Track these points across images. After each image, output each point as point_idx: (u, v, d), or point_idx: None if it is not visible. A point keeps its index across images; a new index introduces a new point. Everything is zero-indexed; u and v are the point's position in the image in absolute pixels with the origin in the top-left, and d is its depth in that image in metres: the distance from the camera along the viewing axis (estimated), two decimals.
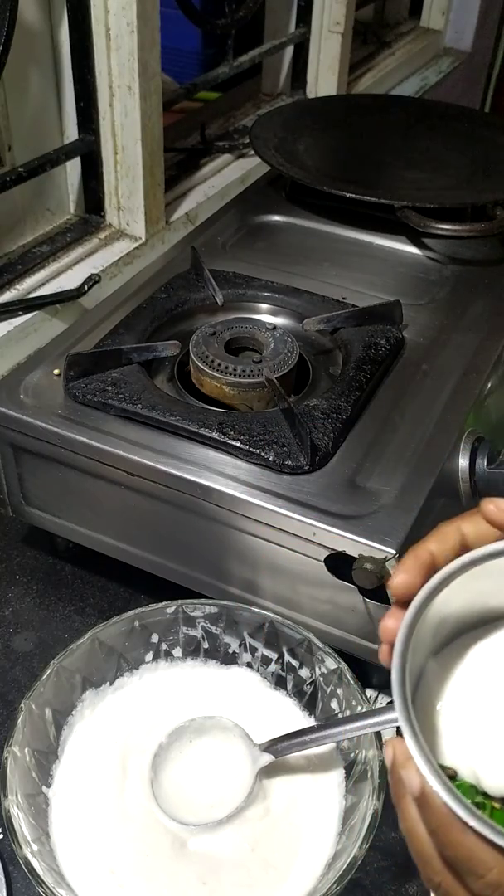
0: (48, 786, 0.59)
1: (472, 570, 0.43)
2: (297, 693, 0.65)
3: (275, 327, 0.75)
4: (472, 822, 0.36)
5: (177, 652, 0.66)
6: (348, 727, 0.56)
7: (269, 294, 0.82)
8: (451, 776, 0.41)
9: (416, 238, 0.91)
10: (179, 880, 0.55)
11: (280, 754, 0.58)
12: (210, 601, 0.66)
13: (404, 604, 0.44)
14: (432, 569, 0.44)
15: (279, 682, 0.65)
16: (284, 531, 0.62)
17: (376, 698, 0.70)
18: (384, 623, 0.44)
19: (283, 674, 0.65)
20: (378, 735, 0.57)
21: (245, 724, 0.60)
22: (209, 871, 0.55)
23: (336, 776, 0.60)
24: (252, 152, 1.10)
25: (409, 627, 0.42)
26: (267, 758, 0.58)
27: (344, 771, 0.60)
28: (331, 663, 0.61)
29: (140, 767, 0.60)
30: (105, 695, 0.64)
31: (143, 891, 0.54)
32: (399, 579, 0.44)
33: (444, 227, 0.86)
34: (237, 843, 0.56)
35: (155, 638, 0.65)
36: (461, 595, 0.45)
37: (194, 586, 0.70)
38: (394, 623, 0.43)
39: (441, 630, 0.46)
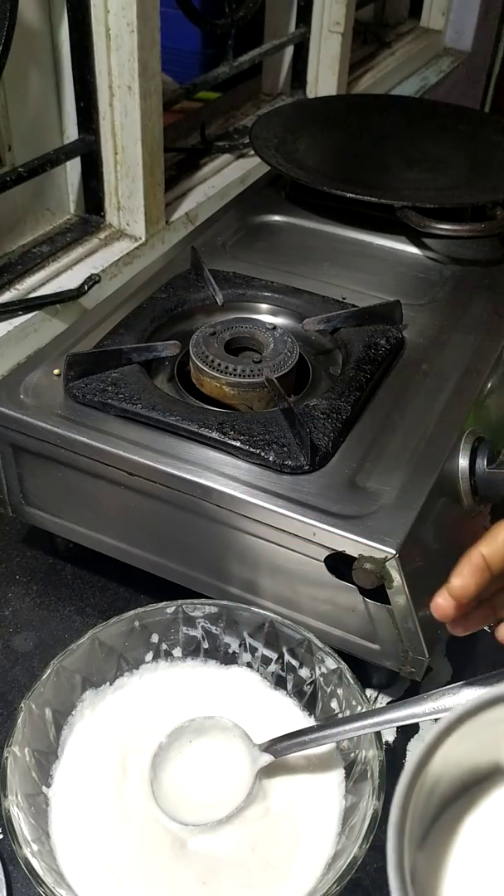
0: (48, 786, 0.59)
1: (456, 733, 0.44)
2: (297, 693, 0.65)
3: (275, 327, 0.75)
4: None
5: (177, 652, 0.66)
6: (348, 727, 0.56)
7: (269, 294, 0.82)
8: None
9: (416, 238, 0.91)
10: (179, 880, 0.55)
11: (280, 754, 0.58)
12: (210, 601, 0.66)
13: (460, 605, 0.49)
14: (486, 571, 0.49)
15: (279, 682, 0.65)
16: (284, 531, 0.62)
17: (376, 698, 0.70)
18: (435, 601, 0.50)
19: (283, 674, 0.65)
20: (378, 735, 0.57)
21: (245, 724, 0.60)
22: (209, 871, 0.55)
23: (336, 776, 0.60)
24: (252, 152, 1.10)
25: (400, 820, 0.40)
26: (266, 758, 0.58)
27: (344, 771, 0.60)
28: (331, 663, 0.61)
29: (140, 767, 0.60)
30: (105, 695, 0.64)
31: (143, 891, 0.54)
32: (455, 583, 0.49)
33: (444, 227, 0.86)
34: (237, 843, 0.56)
35: (155, 638, 0.65)
36: (448, 761, 0.45)
37: (194, 586, 0.70)
38: (443, 601, 0.50)
39: (427, 811, 0.46)
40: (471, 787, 0.49)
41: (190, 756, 0.60)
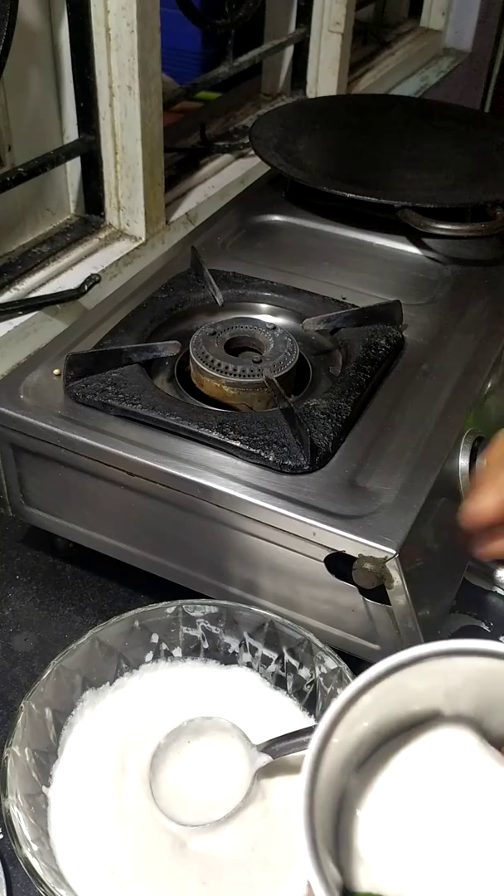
0: (48, 786, 0.59)
1: (381, 684, 0.44)
2: (297, 693, 0.65)
3: (275, 327, 0.75)
4: None
5: (177, 652, 0.66)
6: None
7: (269, 294, 0.82)
8: None
9: (416, 238, 0.91)
10: (179, 880, 0.55)
11: (278, 754, 0.58)
12: (210, 601, 0.66)
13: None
14: None
15: (279, 682, 0.65)
16: (284, 531, 0.62)
17: None
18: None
19: (283, 674, 0.65)
20: None
21: (245, 724, 0.60)
22: (209, 871, 0.55)
23: None
24: (252, 152, 1.10)
25: (311, 777, 0.43)
26: (265, 758, 0.58)
27: None
28: (331, 663, 0.61)
29: (140, 767, 0.60)
30: (105, 695, 0.64)
31: (143, 891, 0.54)
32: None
33: (444, 227, 0.86)
34: (237, 842, 0.56)
35: (155, 638, 0.65)
36: (377, 708, 0.45)
37: (194, 586, 0.70)
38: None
39: (361, 747, 0.47)
40: (410, 728, 0.49)
41: (188, 757, 0.60)
